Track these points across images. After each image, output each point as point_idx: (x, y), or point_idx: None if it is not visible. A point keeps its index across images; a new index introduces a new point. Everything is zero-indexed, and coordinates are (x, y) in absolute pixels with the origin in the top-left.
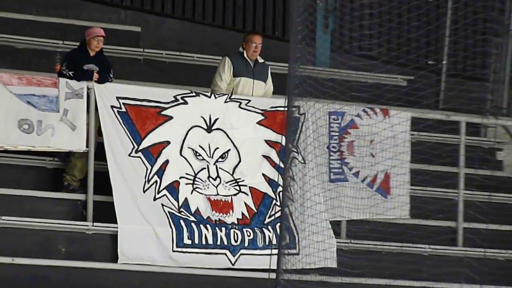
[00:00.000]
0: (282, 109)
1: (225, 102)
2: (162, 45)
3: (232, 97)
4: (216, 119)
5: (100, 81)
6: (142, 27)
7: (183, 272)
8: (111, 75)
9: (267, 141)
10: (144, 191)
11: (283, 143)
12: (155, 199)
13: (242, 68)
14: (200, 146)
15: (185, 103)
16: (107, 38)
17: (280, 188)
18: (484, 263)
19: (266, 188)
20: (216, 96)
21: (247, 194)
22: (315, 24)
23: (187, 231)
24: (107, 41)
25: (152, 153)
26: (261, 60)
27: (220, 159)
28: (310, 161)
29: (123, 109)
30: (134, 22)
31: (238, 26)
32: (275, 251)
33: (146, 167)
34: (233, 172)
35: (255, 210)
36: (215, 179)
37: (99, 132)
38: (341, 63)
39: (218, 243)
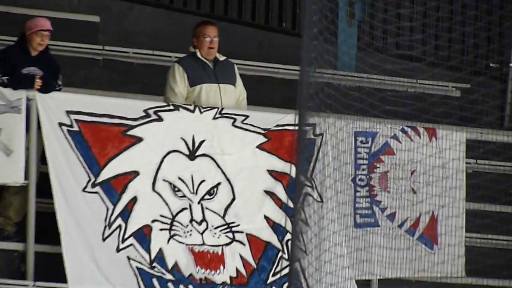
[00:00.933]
0: (292, 128)
1: (214, 118)
2: (129, 41)
3: (224, 111)
4: (202, 142)
5: (45, 89)
6: (102, 16)
7: None
8: (60, 82)
9: (270, 172)
10: (103, 240)
11: (293, 175)
12: (118, 250)
13: (199, 72)
14: (179, 178)
15: (160, 119)
16: (54, 32)
17: (288, 236)
18: None
19: (269, 236)
20: (202, 110)
21: (243, 244)
22: (337, 13)
23: None
24: (55, 35)
25: (114, 188)
26: (222, 58)
27: (207, 196)
28: (330, 199)
29: (76, 128)
30: (91, 10)
31: (232, 16)
32: None
33: (107, 207)
34: (224, 214)
35: (255, 266)
36: (200, 223)
37: (42, 159)
38: (372, 66)
39: None
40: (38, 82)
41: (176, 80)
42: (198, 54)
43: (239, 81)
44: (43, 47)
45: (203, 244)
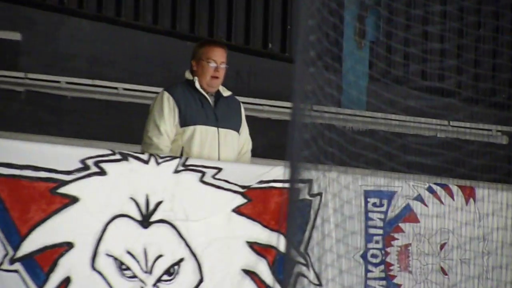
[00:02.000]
0: (280, 185)
1: (176, 171)
2: (61, 67)
3: (188, 162)
4: (159, 204)
5: None
6: (24, 33)
7: None
8: None
9: (251, 245)
10: None
11: (281, 249)
12: None
13: (194, 108)
14: (128, 252)
15: (102, 173)
16: None
17: None
18: None
19: None
20: (159, 160)
21: None
22: (342, 30)
23: None
24: None
25: (40, 265)
26: (226, 93)
27: (165, 277)
28: (331, 281)
29: None
30: (9, 25)
31: (201, 34)
32: None
33: None
34: None
35: None
36: None
37: None
38: (388, 102)
39: None
40: None
41: (164, 114)
42: (197, 84)
43: (244, 126)
44: None
45: None
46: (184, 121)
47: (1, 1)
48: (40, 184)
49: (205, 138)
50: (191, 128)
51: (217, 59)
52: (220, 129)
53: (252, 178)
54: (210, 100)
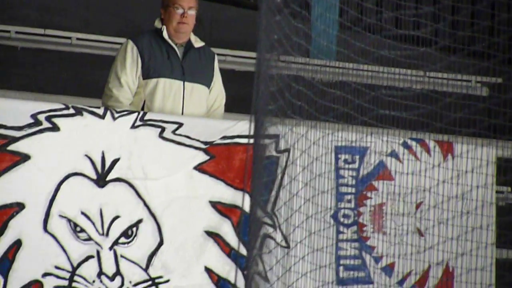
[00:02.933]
0: (245, 141)
1: (134, 126)
2: (10, 16)
3: (147, 117)
4: (116, 161)
5: None
6: None
7: None
8: None
9: (214, 204)
10: None
11: (246, 208)
12: None
13: (159, 60)
14: (83, 213)
15: (55, 128)
16: None
17: None
18: None
19: None
20: (115, 115)
21: None
22: None
23: None
24: None
25: None
26: (198, 44)
27: (122, 239)
28: (299, 244)
29: None
30: None
31: None
32: None
33: None
34: (147, 265)
35: None
36: (112, 279)
37: None
38: (360, 52)
39: None
40: None
41: (126, 65)
42: (165, 33)
43: (217, 80)
44: None
45: None
46: (147, 73)
47: None
48: None
49: (168, 91)
50: (153, 80)
51: (184, 4)
52: (186, 83)
53: (215, 134)
54: (179, 51)
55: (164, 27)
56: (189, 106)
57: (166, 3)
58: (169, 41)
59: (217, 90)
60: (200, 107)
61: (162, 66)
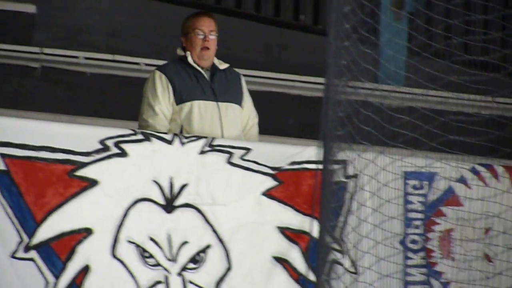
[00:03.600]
0: (313, 167)
1: (202, 152)
2: (79, 41)
3: (215, 142)
4: (184, 187)
5: None
6: (40, 4)
7: None
8: None
9: (282, 230)
10: None
11: (315, 234)
12: None
13: (190, 84)
14: (151, 239)
15: (123, 154)
16: None
17: None
18: None
19: None
20: (184, 140)
21: None
22: (378, 2)
23: None
24: None
25: (57, 253)
26: (223, 66)
27: (190, 265)
28: (368, 270)
29: (2, 166)
30: None
31: (228, 4)
32: None
33: (46, 280)
34: None
35: None
36: None
37: None
38: (429, 77)
39: None
40: None
41: (158, 94)
42: (190, 59)
43: (247, 99)
44: None
45: None
46: (180, 98)
47: None
48: (57, 166)
49: (204, 113)
50: (188, 104)
51: (205, 28)
52: (220, 103)
53: (283, 159)
54: (206, 74)
55: (188, 52)
56: (227, 125)
57: (186, 30)
58: (195, 65)
59: (249, 109)
60: (237, 127)
61: (193, 89)
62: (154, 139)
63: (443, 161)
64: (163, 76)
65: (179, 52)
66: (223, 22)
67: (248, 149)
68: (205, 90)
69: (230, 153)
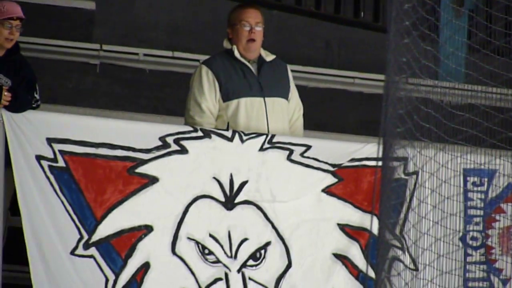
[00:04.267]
0: (373, 164)
1: (262, 149)
2: (138, 38)
3: (275, 139)
4: (244, 184)
5: (16, 106)
6: (99, 1)
7: None
8: (37, 96)
9: (343, 227)
10: None
11: (375, 231)
12: None
13: (236, 80)
14: (211, 236)
15: (183, 151)
16: (28, 23)
17: None
18: None
19: None
20: (244, 137)
21: None
22: None
23: None
24: (29, 28)
25: (117, 250)
26: (270, 57)
27: (250, 262)
28: (428, 266)
29: (61, 163)
30: None
31: (287, 2)
32: None
33: (106, 277)
34: (276, 287)
35: None
36: None
37: (12, 208)
38: (489, 74)
39: None
40: (5, 96)
41: (204, 90)
42: (236, 52)
43: (293, 91)
44: (13, 44)
45: None
46: (227, 95)
47: None
48: (117, 163)
49: (251, 110)
50: (234, 102)
51: (251, 20)
52: (267, 99)
53: (343, 156)
54: (252, 68)
55: (234, 46)
56: (273, 121)
57: (232, 22)
58: (241, 59)
59: (295, 101)
60: (283, 121)
61: (240, 85)
62: (214, 136)
63: (503, 158)
64: (210, 72)
65: (226, 44)
66: (283, 19)
67: (308, 146)
68: (252, 85)
69: (290, 150)
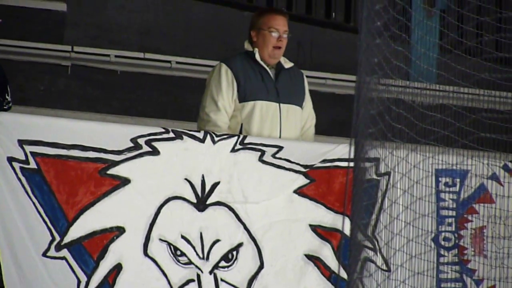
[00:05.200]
0: (345, 164)
1: (234, 150)
2: (110, 39)
3: (247, 140)
4: (216, 185)
5: None
6: (70, 3)
7: None
8: (8, 97)
9: (314, 228)
10: None
11: (347, 232)
12: None
13: (254, 82)
14: (183, 237)
15: (155, 152)
16: (2, 25)
17: None
18: None
19: None
20: (216, 138)
21: None
22: None
23: None
24: (0, 31)
25: (89, 252)
26: (288, 65)
27: (222, 263)
28: (400, 267)
29: (32, 165)
30: None
31: (259, 3)
32: None
33: (78, 279)
34: None
35: None
36: None
37: None
38: (460, 75)
39: None
40: None
41: (222, 88)
42: (257, 56)
43: (308, 100)
44: None
45: None
46: (244, 96)
47: None
48: (89, 164)
49: (265, 114)
50: (250, 103)
51: (280, 27)
52: (282, 105)
53: (315, 157)
54: (271, 73)
55: (256, 49)
56: (286, 127)
57: (259, 26)
58: (262, 63)
59: (309, 110)
60: (296, 129)
61: (257, 88)
62: (185, 137)
63: (475, 158)
64: (229, 71)
65: (247, 46)
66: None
67: (280, 147)
68: (269, 89)
69: (262, 151)
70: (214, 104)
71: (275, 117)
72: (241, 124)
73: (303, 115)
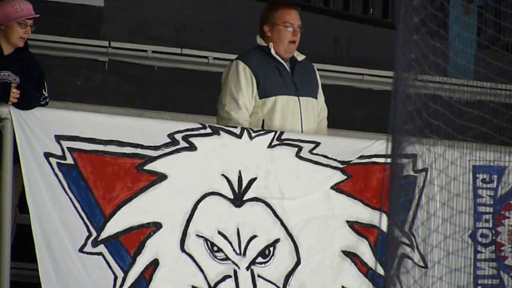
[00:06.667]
0: (382, 160)
1: (271, 146)
2: (147, 35)
3: (284, 136)
4: (253, 181)
5: (24, 103)
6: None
7: None
8: (45, 93)
9: (351, 224)
10: None
11: (384, 228)
12: None
13: (272, 77)
14: (220, 233)
15: (192, 148)
16: (37, 21)
17: None
18: None
19: None
20: (253, 134)
21: None
22: None
23: None
24: (38, 26)
25: (126, 247)
26: (300, 57)
27: (259, 259)
28: (437, 264)
29: (70, 160)
30: None
31: None
32: None
33: (115, 274)
34: (285, 285)
35: None
36: None
37: (20, 206)
38: (498, 71)
39: None
40: (14, 93)
41: (241, 86)
42: (272, 51)
43: (320, 91)
44: (23, 43)
45: None
46: (264, 92)
47: None
48: (125, 160)
49: (286, 108)
50: (271, 99)
51: (294, 22)
52: (301, 98)
53: (352, 153)
54: (287, 66)
55: (271, 44)
56: (306, 121)
57: (273, 21)
58: (277, 57)
59: (321, 101)
60: (314, 121)
61: (277, 83)
62: (223, 133)
63: None
64: (247, 69)
65: (260, 41)
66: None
67: (317, 143)
68: (287, 84)
69: (299, 147)
70: (234, 102)
71: (295, 110)
72: (263, 120)
73: (317, 107)
